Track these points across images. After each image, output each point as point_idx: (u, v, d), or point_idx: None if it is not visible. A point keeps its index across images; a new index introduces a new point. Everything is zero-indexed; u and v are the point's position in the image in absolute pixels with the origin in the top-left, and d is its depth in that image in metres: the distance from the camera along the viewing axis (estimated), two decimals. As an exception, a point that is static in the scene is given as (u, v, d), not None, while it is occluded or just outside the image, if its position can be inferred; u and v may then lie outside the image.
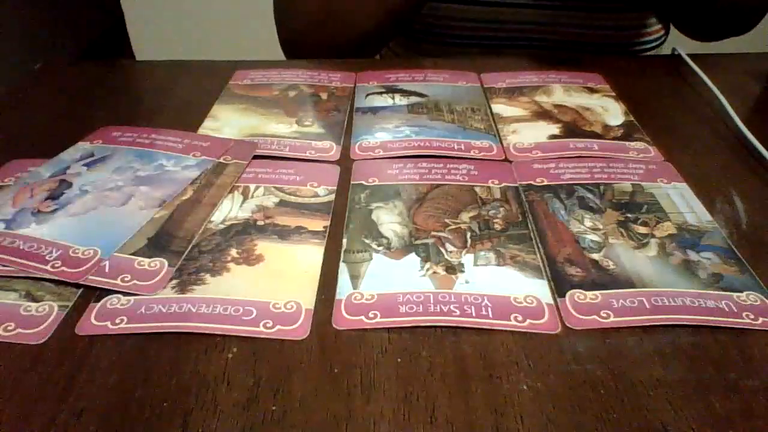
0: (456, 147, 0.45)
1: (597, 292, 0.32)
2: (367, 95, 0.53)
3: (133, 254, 0.34)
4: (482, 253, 0.35)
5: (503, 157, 0.44)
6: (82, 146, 0.44)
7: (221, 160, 0.43)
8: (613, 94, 0.53)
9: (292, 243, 0.35)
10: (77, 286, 0.32)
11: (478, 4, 0.63)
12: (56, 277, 0.32)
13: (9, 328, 0.30)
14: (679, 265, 0.34)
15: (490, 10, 0.63)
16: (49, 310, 0.31)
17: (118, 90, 0.56)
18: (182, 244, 0.35)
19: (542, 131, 0.47)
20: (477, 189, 0.40)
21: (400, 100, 0.52)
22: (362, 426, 0.25)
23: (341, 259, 0.34)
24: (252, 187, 0.40)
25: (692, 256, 0.34)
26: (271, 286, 0.32)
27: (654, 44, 0.69)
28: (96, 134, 0.46)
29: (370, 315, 0.30)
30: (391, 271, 0.33)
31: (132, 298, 0.31)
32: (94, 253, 0.33)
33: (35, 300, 0.31)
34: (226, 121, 0.48)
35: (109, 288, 0.32)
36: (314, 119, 0.49)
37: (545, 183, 0.41)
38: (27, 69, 0.60)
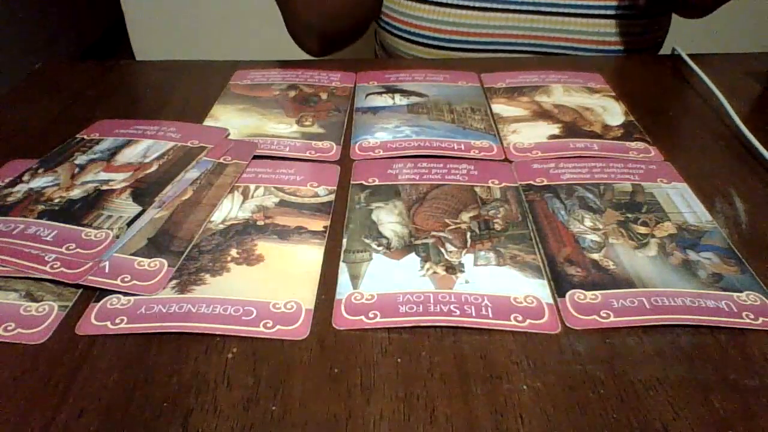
0: (456, 147, 0.45)
1: (597, 292, 0.32)
2: (367, 95, 0.53)
3: (133, 254, 0.34)
4: (482, 253, 0.35)
5: (503, 157, 0.44)
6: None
7: (221, 160, 0.43)
8: (613, 94, 0.53)
9: (292, 243, 0.35)
10: (77, 286, 0.32)
11: (472, 9, 0.63)
12: (55, 278, 0.32)
13: (9, 328, 0.30)
14: (679, 265, 0.34)
15: (484, 15, 0.64)
16: (49, 310, 0.31)
17: (118, 90, 0.56)
18: (182, 244, 0.35)
19: (542, 131, 0.47)
20: (477, 189, 0.40)
21: (400, 100, 0.52)
22: (362, 426, 0.25)
23: (341, 259, 0.34)
24: (252, 187, 0.40)
25: (692, 256, 0.34)
26: (271, 286, 0.32)
27: (650, 50, 0.69)
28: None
29: (370, 315, 0.30)
30: (391, 271, 0.33)
31: (132, 298, 0.31)
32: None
33: (35, 300, 0.31)
34: (226, 121, 0.48)
35: (108, 288, 0.32)
36: (314, 119, 0.49)
37: (545, 183, 0.41)
38: (27, 69, 0.60)
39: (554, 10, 0.63)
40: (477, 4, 0.63)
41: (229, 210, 0.38)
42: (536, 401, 0.26)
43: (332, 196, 0.40)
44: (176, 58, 0.62)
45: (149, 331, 0.30)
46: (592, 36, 0.64)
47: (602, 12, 0.62)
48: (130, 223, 0.36)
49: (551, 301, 0.31)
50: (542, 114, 0.50)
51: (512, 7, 0.63)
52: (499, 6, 0.63)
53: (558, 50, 0.65)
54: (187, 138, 0.45)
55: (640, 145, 0.45)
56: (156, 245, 0.35)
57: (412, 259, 0.34)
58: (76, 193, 0.39)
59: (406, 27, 0.67)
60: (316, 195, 0.40)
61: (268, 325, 0.30)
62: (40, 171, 0.41)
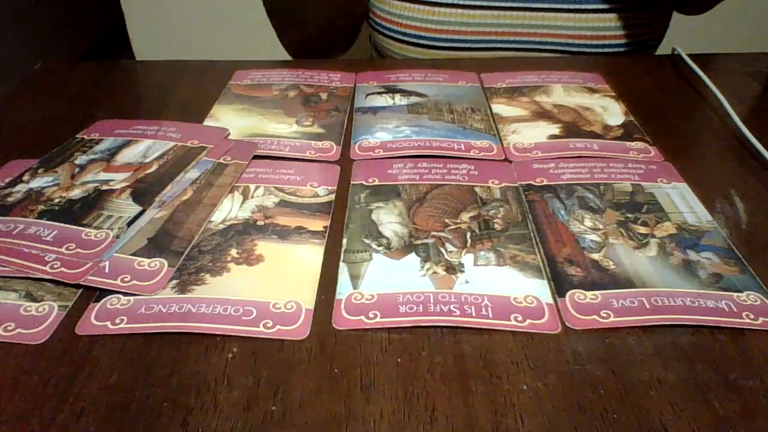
0: (456, 147, 0.45)
1: (597, 292, 0.32)
2: (367, 95, 0.53)
3: (133, 254, 0.34)
4: (482, 253, 0.35)
5: (503, 157, 0.44)
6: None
7: (221, 160, 0.43)
8: (613, 94, 0.53)
9: (292, 243, 0.35)
10: (77, 286, 0.32)
11: (461, 7, 0.63)
12: (55, 278, 0.32)
13: (9, 328, 0.30)
14: (679, 265, 0.34)
15: (472, 13, 0.64)
16: (49, 310, 0.31)
17: (118, 90, 0.56)
18: (182, 244, 0.35)
19: (542, 131, 0.47)
20: (477, 189, 0.40)
21: (400, 100, 0.52)
22: (362, 426, 0.25)
23: (341, 259, 0.34)
24: (252, 187, 0.40)
25: (692, 256, 0.34)
26: (271, 286, 0.32)
27: (649, 44, 0.69)
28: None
29: (370, 315, 0.30)
30: (391, 271, 0.33)
31: (132, 298, 0.31)
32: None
33: (35, 300, 0.31)
34: (226, 121, 0.48)
35: (108, 288, 0.32)
36: (314, 119, 0.49)
37: (545, 183, 0.41)
38: (27, 69, 0.60)
39: (543, 6, 0.63)
40: (465, 2, 0.63)
41: (229, 210, 0.38)
42: (536, 401, 0.26)
43: (332, 196, 0.40)
44: (176, 58, 0.62)
45: (149, 331, 0.30)
46: (582, 31, 0.63)
47: (592, 6, 0.62)
48: (130, 223, 0.36)
49: (551, 301, 0.31)
50: (542, 114, 0.50)
51: (501, 4, 0.63)
52: (488, 3, 0.63)
53: (549, 47, 0.65)
54: (187, 138, 0.45)
55: (640, 145, 0.45)
56: (156, 245, 0.35)
57: (412, 259, 0.34)
58: (76, 193, 0.39)
59: (395, 27, 0.67)
60: (316, 195, 0.40)
61: (268, 325, 0.30)
62: (40, 171, 0.41)
